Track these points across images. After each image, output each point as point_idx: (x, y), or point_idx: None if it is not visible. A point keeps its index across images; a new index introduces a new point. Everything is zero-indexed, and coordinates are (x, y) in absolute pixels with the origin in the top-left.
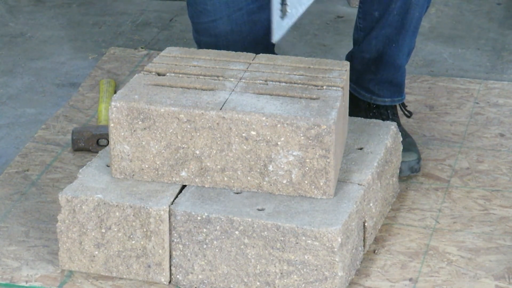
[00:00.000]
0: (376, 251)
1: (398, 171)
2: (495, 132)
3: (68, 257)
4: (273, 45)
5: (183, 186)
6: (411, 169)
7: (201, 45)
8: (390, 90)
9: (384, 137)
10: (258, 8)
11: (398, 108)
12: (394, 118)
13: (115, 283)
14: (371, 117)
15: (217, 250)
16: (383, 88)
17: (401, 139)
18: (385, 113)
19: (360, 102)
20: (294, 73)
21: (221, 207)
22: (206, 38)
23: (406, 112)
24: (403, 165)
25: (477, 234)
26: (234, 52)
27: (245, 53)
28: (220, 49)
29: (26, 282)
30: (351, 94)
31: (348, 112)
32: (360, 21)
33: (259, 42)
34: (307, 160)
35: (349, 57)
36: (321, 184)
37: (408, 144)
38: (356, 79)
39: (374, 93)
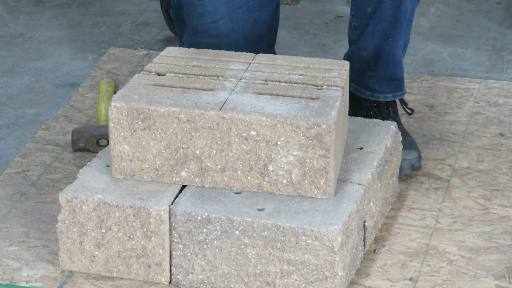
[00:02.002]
0: (376, 251)
1: (398, 171)
2: (495, 131)
3: (68, 257)
4: (274, 43)
5: (183, 186)
6: (412, 167)
7: (201, 46)
8: (391, 86)
9: (384, 136)
10: (259, 5)
11: (399, 106)
12: (395, 116)
13: (115, 283)
14: (372, 116)
15: (217, 250)
16: (384, 84)
17: (401, 138)
18: (386, 111)
19: (361, 101)
20: (294, 73)
21: (221, 207)
22: (206, 39)
23: (407, 110)
24: (404, 163)
25: (477, 233)
26: (233, 52)
27: (244, 53)
28: (222, 49)
29: (26, 282)
30: (352, 94)
31: (348, 112)
32: (354, 19)
33: (261, 40)
34: (307, 160)
35: (347, 58)
36: (321, 184)
37: (409, 142)
38: (356, 78)
39: (375, 90)
